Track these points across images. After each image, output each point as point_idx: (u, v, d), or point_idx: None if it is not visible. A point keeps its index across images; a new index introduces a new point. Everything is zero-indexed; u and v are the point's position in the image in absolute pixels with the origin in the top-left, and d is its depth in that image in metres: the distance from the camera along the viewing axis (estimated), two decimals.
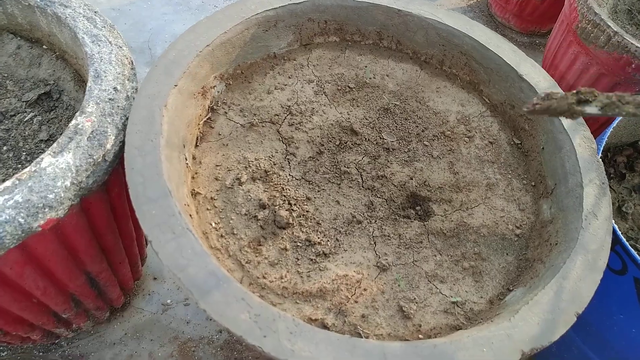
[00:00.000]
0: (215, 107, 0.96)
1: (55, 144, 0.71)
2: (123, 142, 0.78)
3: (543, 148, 0.94)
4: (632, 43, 1.26)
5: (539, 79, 0.97)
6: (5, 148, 0.87)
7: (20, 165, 0.86)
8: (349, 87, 1.04)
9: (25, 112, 0.92)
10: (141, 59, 1.76)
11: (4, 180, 0.83)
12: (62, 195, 0.69)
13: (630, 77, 1.34)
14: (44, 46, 0.97)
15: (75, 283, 0.91)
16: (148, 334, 1.22)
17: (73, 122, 0.74)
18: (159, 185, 0.71)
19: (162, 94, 0.81)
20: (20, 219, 0.65)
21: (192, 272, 0.64)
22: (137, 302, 1.27)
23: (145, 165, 0.72)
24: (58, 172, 0.69)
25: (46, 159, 0.70)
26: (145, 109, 0.78)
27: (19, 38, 0.96)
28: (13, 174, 0.85)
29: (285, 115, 0.98)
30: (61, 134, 0.89)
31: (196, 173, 0.89)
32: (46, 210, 0.67)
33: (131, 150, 0.74)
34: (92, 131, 0.74)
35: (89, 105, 0.76)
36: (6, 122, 0.90)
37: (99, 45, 0.84)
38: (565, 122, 0.91)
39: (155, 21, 1.89)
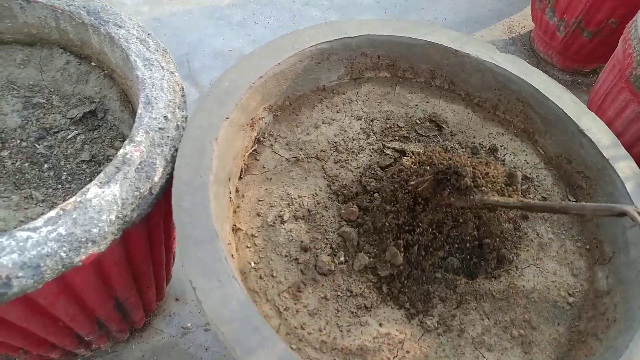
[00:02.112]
0: (261, 138, 0.93)
1: (102, 174, 0.69)
2: (170, 175, 0.75)
3: None
4: None
5: (601, 136, 0.92)
6: (46, 166, 0.85)
7: (60, 186, 0.84)
8: (397, 125, 1.01)
9: (69, 129, 0.90)
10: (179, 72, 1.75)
11: (43, 201, 0.81)
12: (106, 229, 0.66)
13: None
14: (93, 63, 0.95)
15: (104, 309, 0.89)
16: (166, 357, 1.19)
17: (121, 151, 0.71)
18: (206, 226, 0.68)
19: (214, 126, 0.78)
20: (62, 253, 0.62)
21: (236, 327, 0.60)
22: (157, 323, 1.24)
23: (194, 204, 0.69)
24: (104, 204, 0.66)
25: (92, 190, 0.67)
26: (195, 141, 0.76)
27: (68, 53, 0.95)
28: (53, 194, 0.83)
29: (332, 151, 0.95)
30: (103, 155, 0.87)
31: (238, 207, 0.86)
32: (89, 245, 0.64)
33: (179, 186, 0.71)
34: (140, 162, 0.71)
35: (138, 133, 0.74)
36: (49, 138, 0.89)
37: (151, 70, 0.82)
38: (629, 185, 0.86)
39: (196, 34, 1.88)
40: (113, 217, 0.67)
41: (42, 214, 0.80)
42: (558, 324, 0.80)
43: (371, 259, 0.82)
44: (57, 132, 0.89)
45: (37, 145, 0.87)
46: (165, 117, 0.77)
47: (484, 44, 1.01)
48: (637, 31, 1.38)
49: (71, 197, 0.82)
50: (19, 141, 0.87)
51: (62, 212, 0.64)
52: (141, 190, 0.70)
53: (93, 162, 0.87)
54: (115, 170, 0.69)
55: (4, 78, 0.92)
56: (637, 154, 1.45)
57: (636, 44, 1.36)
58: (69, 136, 0.89)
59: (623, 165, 0.88)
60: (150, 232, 0.83)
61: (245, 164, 0.90)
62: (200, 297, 0.62)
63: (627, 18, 1.65)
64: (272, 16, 2.02)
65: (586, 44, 1.86)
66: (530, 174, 0.98)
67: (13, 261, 0.60)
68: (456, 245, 0.86)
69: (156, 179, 0.72)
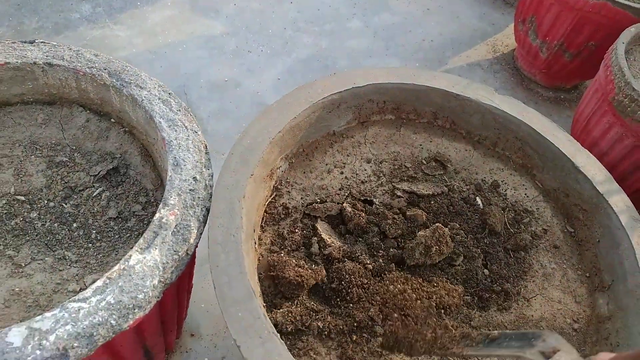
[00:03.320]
0: (279, 186, 0.98)
1: (141, 240, 0.72)
2: (202, 234, 0.79)
3: (599, 241, 0.97)
4: None
5: (595, 172, 0.99)
6: (75, 225, 0.88)
7: (91, 245, 0.87)
8: (405, 166, 1.06)
9: (94, 186, 0.93)
10: None
11: (77, 261, 0.84)
12: (150, 294, 0.70)
13: None
14: (112, 119, 0.98)
15: (134, 358, 0.92)
16: None
17: (157, 215, 0.75)
18: (243, 285, 0.72)
19: (240, 184, 0.82)
20: (112, 321, 0.66)
21: None
22: None
23: (229, 263, 0.74)
24: (147, 270, 0.70)
25: (134, 256, 0.71)
26: (224, 201, 0.80)
27: (88, 111, 0.98)
28: (85, 254, 0.86)
29: (346, 195, 1.00)
30: (129, 212, 0.90)
31: (262, 255, 0.90)
32: (136, 310, 0.68)
33: (214, 246, 0.75)
34: (176, 225, 0.75)
35: (171, 196, 0.78)
36: (75, 197, 0.92)
37: (176, 131, 0.86)
38: (623, 218, 0.93)
39: (191, 65, 1.91)
40: (156, 281, 0.70)
41: (77, 274, 0.83)
42: None
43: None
44: (82, 190, 0.92)
45: (64, 204, 0.90)
46: (195, 178, 0.81)
47: (483, 87, 1.08)
48: (617, 59, 1.47)
49: (103, 255, 0.86)
50: (46, 201, 0.90)
51: (108, 280, 0.68)
52: (179, 253, 0.74)
53: (120, 219, 0.91)
54: (153, 235, 0.73)
55: (27, 139, 0.95)
56: (622, 171, 1.54)
57: (617, 71, 1.45)
58: (94, 194, 0.92)
59: (617, 200, 0.95)
60: (179, 283, 0.87)
61: (265, 212, 0.95)
62: (246, 355, 0.66)
63: (605, 40, 1.74)
64: (264, 44, 2.06)
65: (568, 64, 1.96)
66: (530, 206, 1.05)
67: (68, 332, 0.63)
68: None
69: (192, 240, 0.76)
